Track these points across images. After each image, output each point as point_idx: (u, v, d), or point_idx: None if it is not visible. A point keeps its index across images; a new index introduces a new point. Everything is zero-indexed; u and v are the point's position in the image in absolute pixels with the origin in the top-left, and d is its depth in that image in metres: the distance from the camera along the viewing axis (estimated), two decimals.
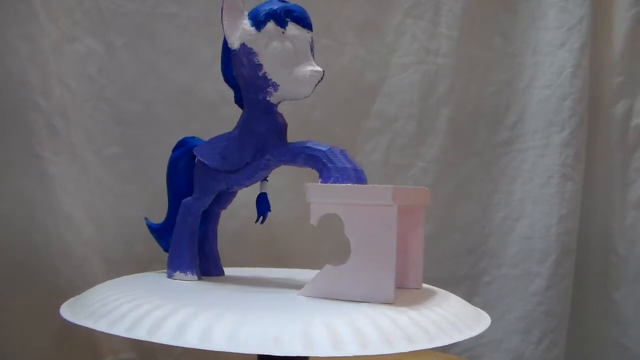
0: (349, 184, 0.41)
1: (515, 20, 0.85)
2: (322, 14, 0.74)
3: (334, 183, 0.41)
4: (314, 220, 0.40)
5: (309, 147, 0.44)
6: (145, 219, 0.54)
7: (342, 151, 0.44)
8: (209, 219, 0.51)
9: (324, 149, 0.43)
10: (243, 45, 0.45)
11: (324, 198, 0.40)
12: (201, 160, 0.48)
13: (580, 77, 0.84)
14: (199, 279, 0.49)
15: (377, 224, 0.38)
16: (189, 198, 0.50)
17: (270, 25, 0.44)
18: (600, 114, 0.87)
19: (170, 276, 0.49)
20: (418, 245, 0.46)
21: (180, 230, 0.49)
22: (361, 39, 0.78)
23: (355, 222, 0.39)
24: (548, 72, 0.85)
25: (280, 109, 0.47)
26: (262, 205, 0.50)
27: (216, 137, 0.49)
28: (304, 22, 0.44)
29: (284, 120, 0.47)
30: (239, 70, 0.46)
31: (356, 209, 0.39)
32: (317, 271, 0.41)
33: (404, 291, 0.45)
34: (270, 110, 0.46)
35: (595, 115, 0.87)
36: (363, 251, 0.39)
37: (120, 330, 0.35)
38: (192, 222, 0.49)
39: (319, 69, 0.44)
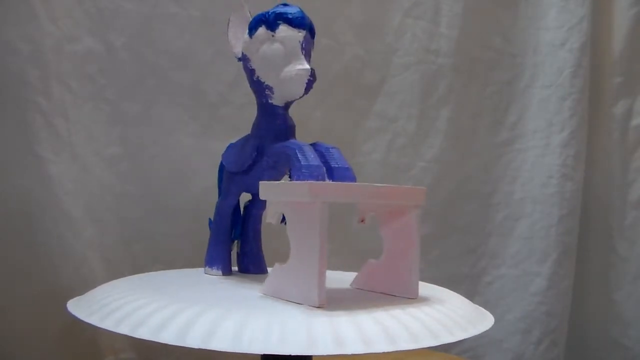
0: (283, 182, 0.40)
1: (515, 20, 0.85)
2: (322, 14, 0.74)
3: (297, 181, 0.40)
4: (270, 219, 0.39)
5: (287, 146, 0.44)
6: (209, 219, 0.55)
7: (328, 148, 0.43)
8: (247, 219, 0.53)
9: (295, 147, 0.43)
10: (242, 53, 0.47)
11: (271, 196, 0.39)
12: (222, 162, 0.51)
13: (580, 77, 0.84)
14: (223, 274, 0.50)
15: (305, 222, 0.37)
16: (219, 199, 0.52)
17: (261, 30, 0.45)
18: (600, 114, 0.87)
19: (205, 271, 0.52)
20: (411, 250, 0.42)
21: (212, 229, 0.52)
22: (361, 39, 0.78)
23: (293, 220, 0.38)
24: (548, 72, 0.85)
25: None
26: None
27: (238, 140, 0.51)
28: (295, 22, 0.44)
29: (289, 122, 0.47)
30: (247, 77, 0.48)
31: (293, 207, 0.38)
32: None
33: (394, 299, 0.42)
34: (273, 112, 0.47)
35: (595, 115, 0.87)
36: (297, 251, 0.37)
37: (145, 333, 0.34)
38: (219, 221, 0.52)
39: (307, 66, 0.43)
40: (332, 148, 0.44)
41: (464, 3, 0.82)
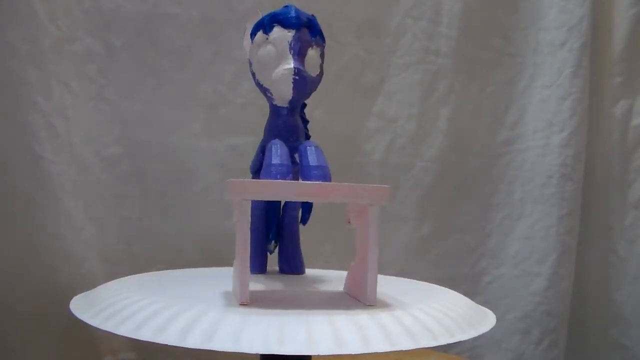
0: (227, 181, 0.39)
1: (515, 20, 0.85)
2: (322, 14, 0.74)
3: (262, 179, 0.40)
4: (234, 217, 0.39)
5: (268, 145, 0.44)
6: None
7: (306, 147, 0.43)
8: (282, 221, 0.52)
9: (269, 145, 0.43)
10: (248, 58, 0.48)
11: (227, 195, 0.39)
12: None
13: (580, 77, 0.84)
14: (251, 273, 0.49)
15: (237, 220, 0.37)
16: None
17: (259, 34, 0.45)
18: (600, 114, 0.87)
19: None
20: (368, 252, 0.39)
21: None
22: (361, 39, 0.78)
23: (236, 218, 0.37)
24: (548, 72, 0.85)
25: None
26: (304, 206, 0.51)
27: None
28: (285, 22, 0.44)
29: (291, 122, 0.47)
30: None
31: (235, 205, 0.37)
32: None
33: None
34: (278, 113, 0.47)
35: (595, 115, 0.87)
36: (237, 249, 0.37)
37: (169, 338, 0.34)
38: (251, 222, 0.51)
39: (290, 65, 0.43)
40: (310, 147, 0.43)
41: (464, 3, 0.82)
